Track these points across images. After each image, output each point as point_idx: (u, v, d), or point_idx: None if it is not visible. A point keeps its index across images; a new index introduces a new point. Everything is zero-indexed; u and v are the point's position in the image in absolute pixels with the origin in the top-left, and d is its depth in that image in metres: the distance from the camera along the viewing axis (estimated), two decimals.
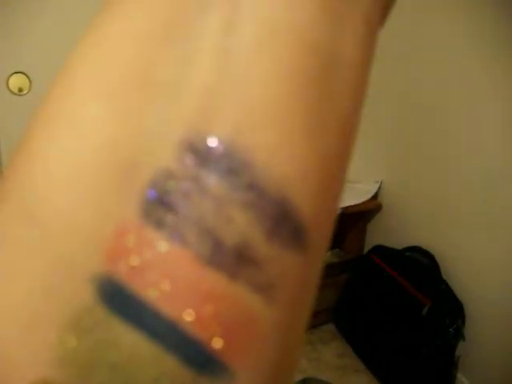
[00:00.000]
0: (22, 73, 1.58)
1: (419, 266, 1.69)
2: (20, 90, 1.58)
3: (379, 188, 2.00)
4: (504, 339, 1.47)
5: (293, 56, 0.12)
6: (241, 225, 0.11)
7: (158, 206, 0.11)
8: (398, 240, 1.86)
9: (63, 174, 0.11)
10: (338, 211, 0.15)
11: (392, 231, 1.96)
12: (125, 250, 0.10)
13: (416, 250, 1.74)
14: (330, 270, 1.94)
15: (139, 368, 0.10)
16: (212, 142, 0.11)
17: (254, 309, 0.11)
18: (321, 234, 0.13)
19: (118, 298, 0.10)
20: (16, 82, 1.57)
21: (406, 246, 1.79)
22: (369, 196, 1.94)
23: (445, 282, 1.61)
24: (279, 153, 0.11)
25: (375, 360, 1.74)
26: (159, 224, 0.10)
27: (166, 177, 0.11)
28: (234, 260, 0.11)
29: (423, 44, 1.69)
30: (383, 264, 1.77)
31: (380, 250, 1.85)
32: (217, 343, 0.10)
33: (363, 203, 1.92)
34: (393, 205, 1.96)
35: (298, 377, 0.87)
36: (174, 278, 0.10)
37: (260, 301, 0.11)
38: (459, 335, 1.55)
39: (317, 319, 1.99)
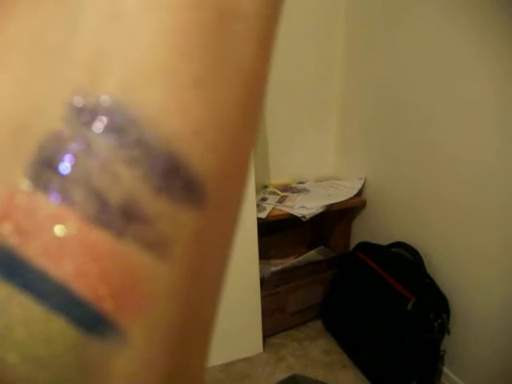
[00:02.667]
0: None
1: (404, 262, 1.71)
2: None
3: (363, 185, 2.01)
4: (489, 333, 1.49)
5: (179, 11, 0.12)
6: (126, 182, 0.11)
7: (46, 168, 0.11)
8: (383, 236, 1.87)
9: None
10: (249, 167, 0.15)
11: (377, 227, 1.97)
12: (13, 215, 0.10)
13: (401, 245, 1.76)
14: (316, 267, 1.96)
15: (28, 331, 0.10)
16: (97, 101, 0.11)
17: (144, 267, 0.11)
18: (223, 187, 0.13)
19: (5, 262, 0.10)
20: None
21: (391, 241, 1.81)
22: (353, 193, 1.96)
23: (429, 277, 1.62)
24: (167, 108, 0.11)
25: (362, 356, 1.76)
26: (47, 186, 0.11)
27: (54, 139, 0.11)
28: (120, 218, 0.11)
29: (404, 39, 1.70)
30: (368, 260, 1.78)
31: (365, 246, 1.86)
32: (106, 303, 0.10)
33: (348, 200, 1.93)
34: (377, 201, 1.97)
35: (286, 373, 0.87)
36: (62, 239, 0.10)
37: (150, 258, 0.11)
38: (444, 329, 1.57)
39: (303, 316, 2.00)
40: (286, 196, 1.95)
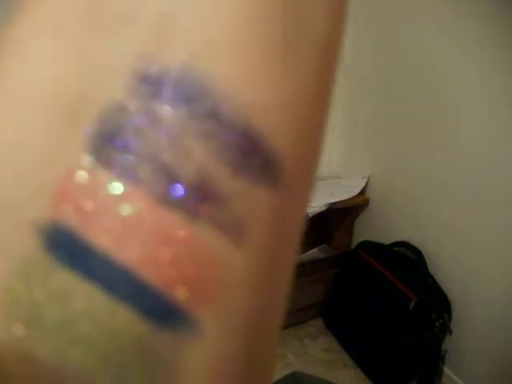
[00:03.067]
0: None
1: (406, 261, 1.71)
2: None
3: (366, 183, 2.00)
4: (490, 333, 1.48)
5: None
6: (200, 158, 0.10)
7: (109, 142, 0.10)
8: (386, 235, 1.87)
9: (12, 116, 0.10)
10: (321, 152, 0.14)
11: (379, 226, 1.97)
12: (73, 194, 0.10)
13: (403, 244, 1.75)
14: (317, 266, 1.95)
15: (92, 322, 0.09)
16: (165, 69, 0.10)
17: (219, 251, 0.10)
18: (300, 167, 0.12)
19: (66, 246, 0.09)
20: None
21: (393, 241, 1.80)
22: (356, 192, 1.95)
23: (431, 277, 1.62)
24: (246, 79, 0.10)
25: (363, 355, 1.75)
26: (110, 162, 0.10)
27: (117, 110, 0.10)
28: (192, 198, 0.10)
29: (404, 35, 1.70)
30: (371, 259, 1.78)
31: (367, 245, 1.86)
32: (178, 292, 0.09)
33: (351, 199, 1.93)
34: (380, 200, 1.97)
35: (286, 371, 0.87)
36: (128, 221, 0.09)
37: (226, 242, 0.10)
38: (446, 329, 1.56)
39: (305, 314, 2.00)
40: None
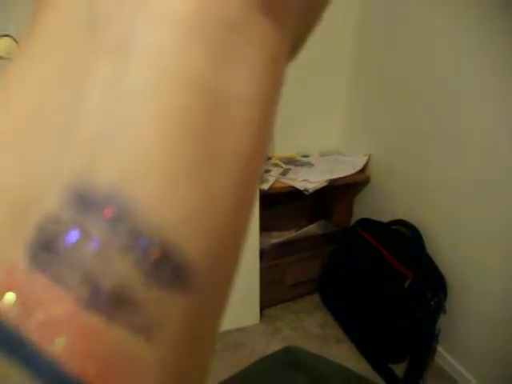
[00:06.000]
0: (10, 36, 1.54)
1: (404, 240, 1.71)
2: (8, 53, 1.56)
3: (368, 161, 2.00)
4: (485, 313, 1.50)
5: (177, 99, 0.12)
6: (119, 268, 0.11)
7: (44, 250, 0.11)
8: (385, 213, 1.87)
9: None
10: (240, 253, 0.15)
11: (379, 204, 1.97)
12: (12, 289, 0.11)
13: (401, 223, 1.76)
14: (316, 241, 1.96)
15: None
16: (94, 189, 0.11)
17: (131, 350, 0.11)
18: (212, 273, 0.13)
19: (4, 338, 0.11)
20: (4, 45, 1.54)
21: (391, 219, 1.80)
22: (357, 169, 1.95)
23: (428, 256, 1.63)
24: (160, 198, 0.12)
25: (357, 331, 1.78)
26: (44, 268, 0.11)
27: (52, 222, 0.11)
28: (110, 303, 0.11)
29: (408, 18, 1.67)
30: (368, 236, 1.78)
31: (366, 222, 1.86)
32: (94, 382, 0.11)
33: (351, 175, 1.92)
34: (381, 178, 1.97)
35: (281, 345, 0.87)
36: (56, 319, 0.11)
37: (138, 342, 0.11)
38: (440, 308, 1.58)
39: (302, 289, 2.02)
40: (290, 169, 1.94)
